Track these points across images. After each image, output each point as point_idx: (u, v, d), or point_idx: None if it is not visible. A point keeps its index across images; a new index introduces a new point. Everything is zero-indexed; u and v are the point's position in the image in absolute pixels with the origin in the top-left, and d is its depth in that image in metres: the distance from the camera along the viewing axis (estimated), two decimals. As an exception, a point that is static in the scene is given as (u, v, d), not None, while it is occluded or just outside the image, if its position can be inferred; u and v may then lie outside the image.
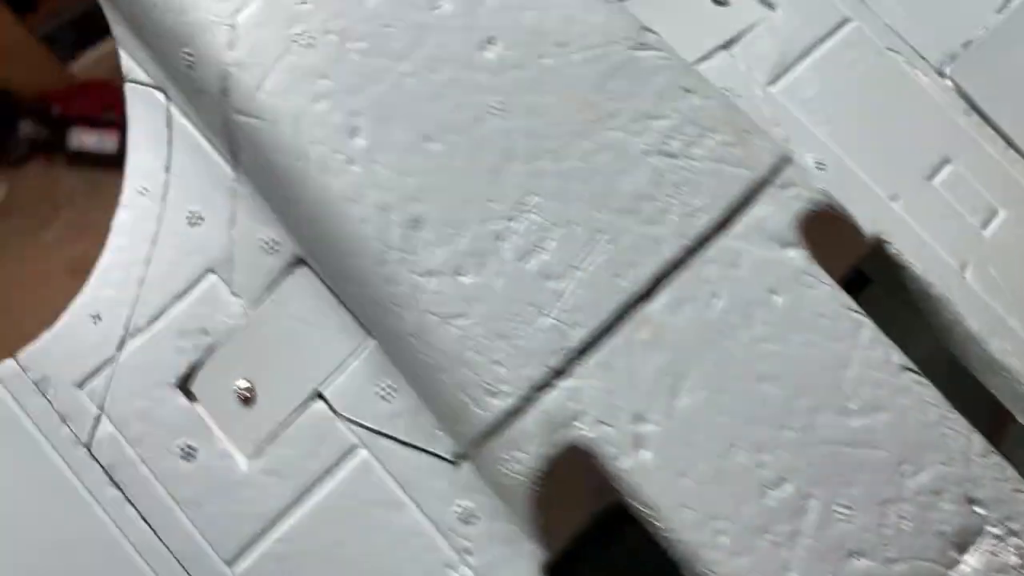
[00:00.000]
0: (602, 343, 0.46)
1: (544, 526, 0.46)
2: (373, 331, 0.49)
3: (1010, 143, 0.61)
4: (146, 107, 0.55)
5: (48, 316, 0.51)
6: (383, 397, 0.49)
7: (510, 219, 0.47)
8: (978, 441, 0.47)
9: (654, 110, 0.49)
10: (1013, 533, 0.46)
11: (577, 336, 0.46)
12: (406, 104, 0.48)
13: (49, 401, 0.51)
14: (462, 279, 0.46)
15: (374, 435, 0.49)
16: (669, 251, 0.47)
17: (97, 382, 0.51)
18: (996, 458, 0.47)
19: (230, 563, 0.48)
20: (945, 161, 0.58)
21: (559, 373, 0.45)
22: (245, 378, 0.51)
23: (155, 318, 0.52)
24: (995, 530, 0.46)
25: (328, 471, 0.49)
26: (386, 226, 0.46)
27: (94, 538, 0.49)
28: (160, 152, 0.54)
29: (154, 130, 0.55)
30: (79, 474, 0.50)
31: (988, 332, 0.53)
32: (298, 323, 0.51)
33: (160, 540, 0.49)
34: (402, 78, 0.48)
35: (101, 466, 0.50)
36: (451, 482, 0.48)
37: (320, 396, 0.50)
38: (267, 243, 0.51)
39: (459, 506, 0.47)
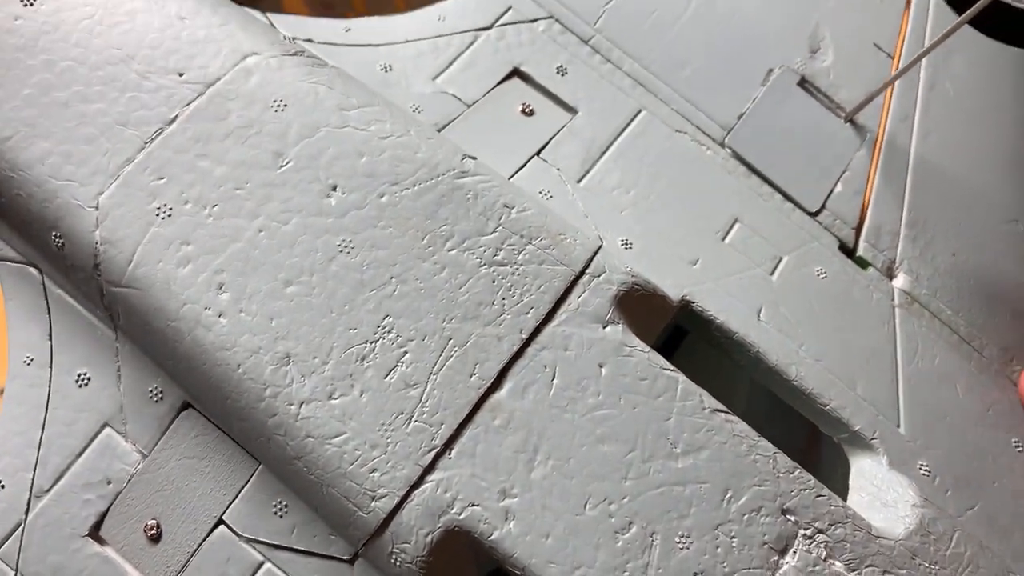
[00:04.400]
0: (463, 434, 0.54)
1: (437, 602, 0.53)
2: (260, 458, 0.55)
3: (784, 194, 0.72)
4: (20, 282, 0.60)
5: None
6: (278, 514, 0.55)
7: (369, 341, 0.54)
8: (783, 460, 0.57)
9: (482, 228, 0.58)
10: (820, 531, 0.56)
11: (441, 433, 0.53)
12: (263, 255, 0.55)
13: None
14: (333, 402, 0.53)
15: (274, 549, 0.54)
16: (509, 346, 0.55)
17: (9, 546, 0.55)
18: (799, 471, 0.57)
19: None
20: (734, 220, 0.69)
21: (430, 469, 0.53)
22: (151, 517, 0.56)
23: (58, 477, 0.56)
24: (806, 532, 0.55)
25: None
26: (259, 367, 0.53)
27: None
28: (41, 322, 0.59)
29: (31, 303, 0.59)
30: None
31: (785, 363, 0.63)
32: (192, 460, 0.56)
33: None
34: (256, 233, 0.55)
35: None
36: (351, 578, 0.54)
37: (222, 522, 0.55)
38: (153, 392, 0.57)
39: None
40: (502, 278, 0.57)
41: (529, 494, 0.53)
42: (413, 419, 0.53)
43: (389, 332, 0.54)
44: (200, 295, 0.53)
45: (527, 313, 0.56)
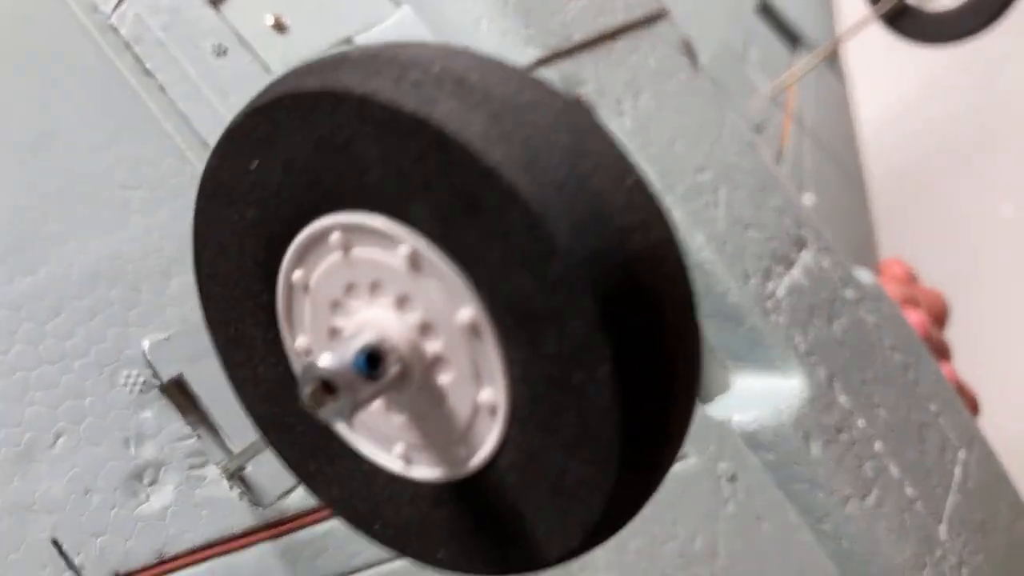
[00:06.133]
0: (587, 51, 0.60)
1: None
2: None
3: None
4: None
5: None
6: (412, 51, 0.55)
7: None
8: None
9: None
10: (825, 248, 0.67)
11: (575, 38, 0.60)
12: None
13: None
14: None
15: None
16: (624, 18, 0.65)
17: None
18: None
19: None
20: None
21: (568, 53, 0.58)
22: (275, 10, 0.53)
23: None
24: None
25: None
26: None
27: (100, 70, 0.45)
28: None
29: None
30: (97, 34, 0.46)
31: None
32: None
33: (183, 115, 0.47)
34: None
35: (121, 37, 0.47)
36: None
37: (351, 42, 0.54)
38: None
39: None
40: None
41: (636, 112, 0.60)
42: (558, 15, 0.59)
43: None
44: None
45: (638, 8, 0.67)
